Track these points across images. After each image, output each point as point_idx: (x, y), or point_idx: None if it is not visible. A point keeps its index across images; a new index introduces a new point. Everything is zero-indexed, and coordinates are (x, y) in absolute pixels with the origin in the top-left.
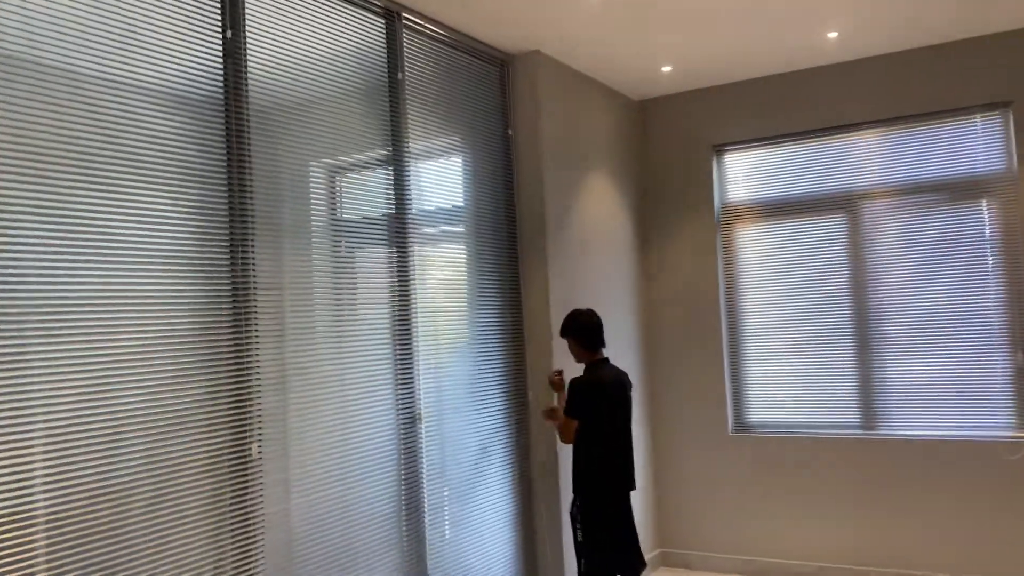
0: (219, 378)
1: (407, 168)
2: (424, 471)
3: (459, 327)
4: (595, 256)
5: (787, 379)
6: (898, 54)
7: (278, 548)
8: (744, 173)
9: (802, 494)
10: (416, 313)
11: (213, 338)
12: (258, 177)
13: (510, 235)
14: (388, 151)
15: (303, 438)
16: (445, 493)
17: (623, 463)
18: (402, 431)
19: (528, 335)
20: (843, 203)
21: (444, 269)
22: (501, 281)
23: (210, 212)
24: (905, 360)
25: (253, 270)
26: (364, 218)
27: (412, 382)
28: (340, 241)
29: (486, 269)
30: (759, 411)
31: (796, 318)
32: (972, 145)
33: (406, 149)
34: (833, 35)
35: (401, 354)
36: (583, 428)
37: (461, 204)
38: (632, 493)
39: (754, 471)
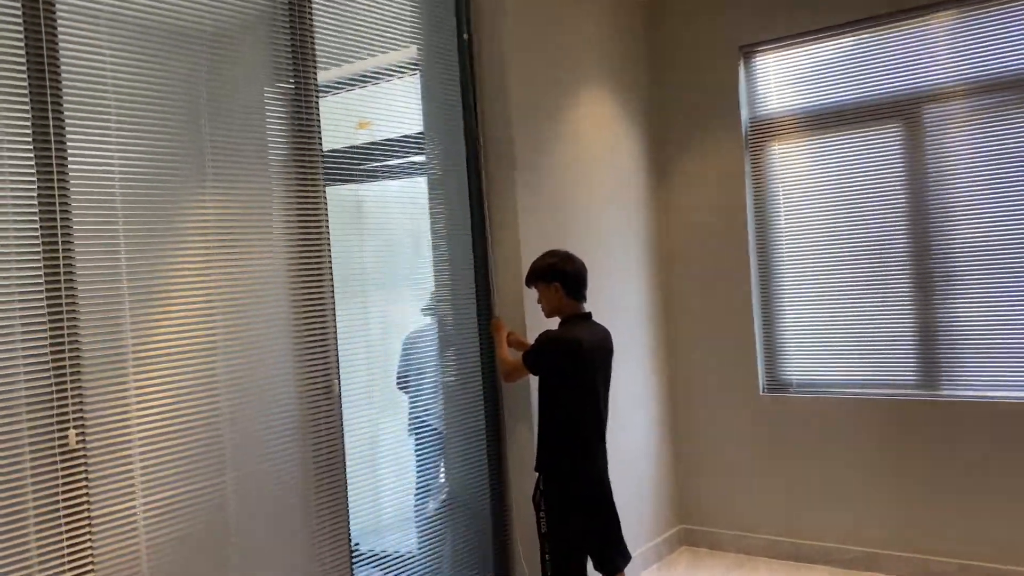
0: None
1: (310, 92)
2: (346, 458)
3: (399, 280)
4: (593, 189)
5: (830, 328)
6: None
7: (121, 560)
8: (778, 79)
9: (847, 466)
10: (330, 262)
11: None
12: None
13: (473, 167)
14: (289, 71)
15: (148, 421)
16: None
17: (595, 438)
18: (311, 410)
19: (497, 288)
20: (901, 109)
21: (384, 209)
22: (460, 224)
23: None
24: (978, 305)
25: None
26: (235, 149)
27: (327, 349)
28: (204, 175)
29: (441, 210)
30: (796, 366)
31: (841, 255)
32: None
33: (311, 69)
34: None
35: (308, 315)
36: (549, 394)
37: (404, 132)
38: (643, 463)
39: (790, 437)
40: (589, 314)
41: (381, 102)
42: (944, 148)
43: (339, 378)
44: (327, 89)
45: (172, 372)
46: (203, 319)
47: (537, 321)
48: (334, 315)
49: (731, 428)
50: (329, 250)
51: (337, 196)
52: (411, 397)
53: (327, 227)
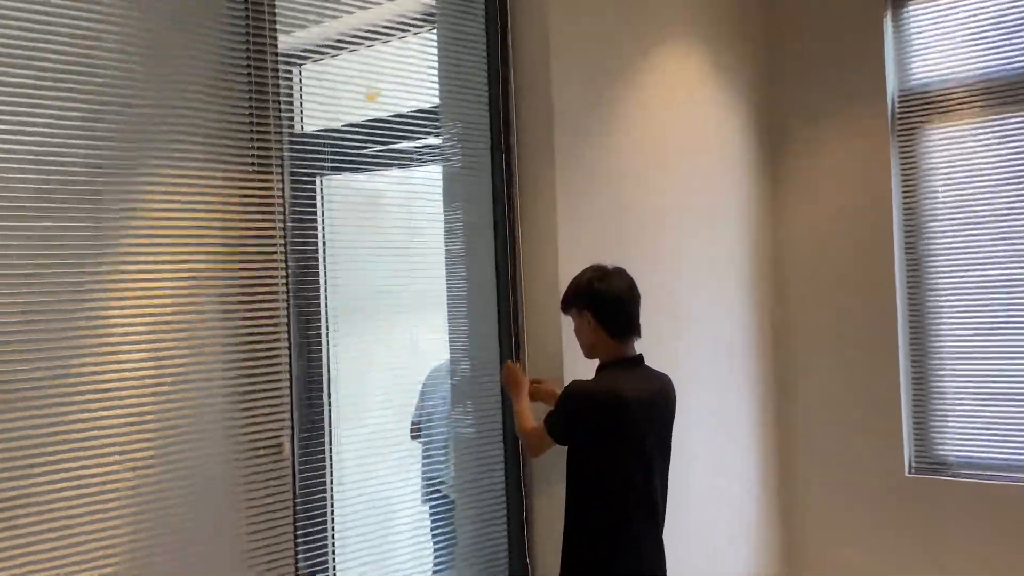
0: None
1: (264, 54)
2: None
3: (405, 303)
4: (669, 190)
5: (1008, 389)
6: None
7: None
8: (939, 38)
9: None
10: (286, 285)
11: None
12: None
13: (500, 159)
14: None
15: None
16: None
17: (649, 531)
18: (249, 475)
19: (525, 320)
20: None
21: (389, 208)
22: (481, 233)
23: None
24: None
25: None
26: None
27: (279, 396)
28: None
29: (458, 213)
30: (957, 439)
31: None
32: None
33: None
34: None
35: (252, 350)
36: (578, 468)
37: (413, 107)
38: (738, 566)
39: (946, 534)
40: (639, 357)
41: (388, 66)
42: None
43: (293, 433)
44: (316, 51)
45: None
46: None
47: (581, 365)
48: (289, 351)
49: (865, 520)
50: (285, 269)
51: (327, 190)
52: (424, 452)
53: (282, 236)
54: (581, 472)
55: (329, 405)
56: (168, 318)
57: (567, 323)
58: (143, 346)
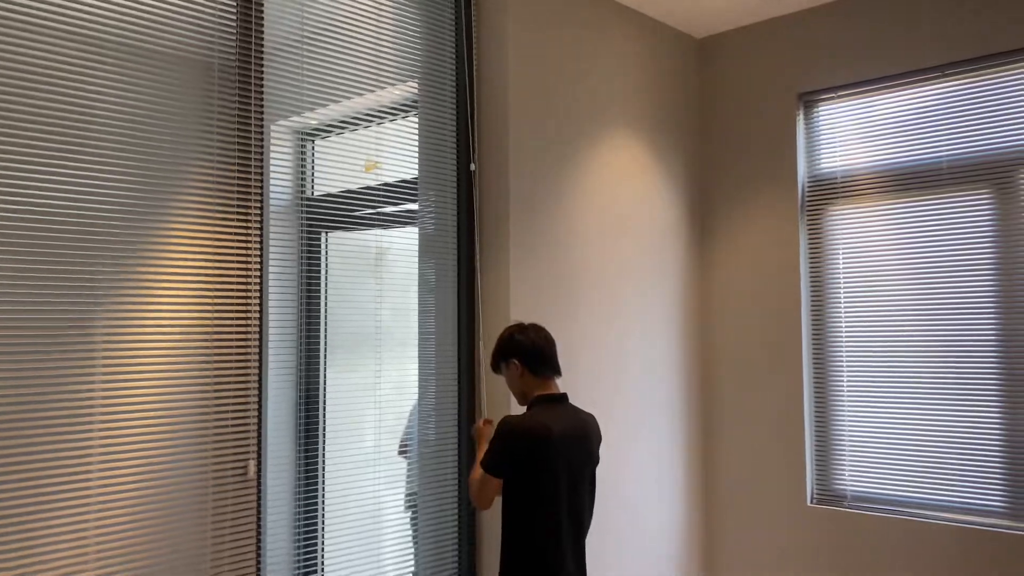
0: None
1: (257, 150)
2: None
3: (382, 342)
4: (612, 256)
5: (898, 433)
6: None
7: None
8: (843, 132)
9: None
10: (258, 318)
11: None
12: None
13: (465, 226)
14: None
15: None
16: None
17: (574, 556)
18: (218, 495)
19: (482, 350)
20: (991, 172)
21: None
22: (447, 290)
23: None
24: None
25: None
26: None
27: (246, 421)
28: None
29: (430, 271)
30: (854, 476)
31: (914, 345)
32: None
33: (252, 113)
34: None
35: (224, 378)
36: (514, 496)
37: (397, 178)
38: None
39: (841, 560)
40: (563, 396)
41: (380, 144)
42: None
43: (259, 457)
44: (328, 130)
45: (33, 449)
46: (84, 372)
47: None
48: (259, 383)
49: (771, 543)
50: (258, 311)
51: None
52: (409, 467)
53: (258, 286)
54: (513, 497)
55: (324, 429)
56: (151, 351)
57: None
58: (129, 376)
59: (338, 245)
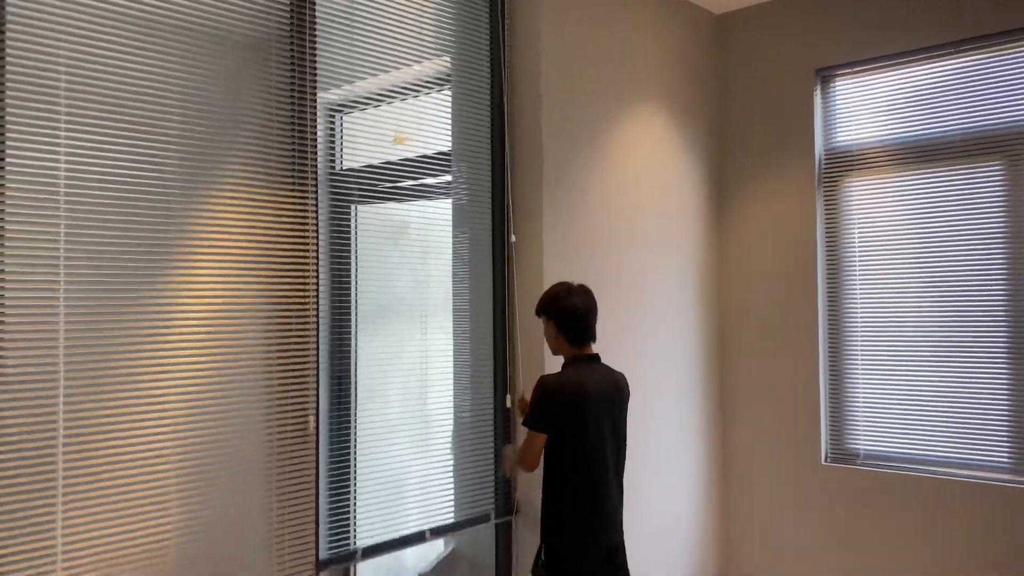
0: None
1: (304, 106)
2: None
3: (417, 309)
4: (637, 225)
5: (908, 394)
6: None
7: None
8: (858, 107)
9: (919, 554)
10: (316, 288)
11: None
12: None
13: (499, 194)
14: (287, 84)
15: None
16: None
17: (608, 504)
18: (280, 447)
19: (519, 326)
20: (1003, 144)
21: (408, 232)
22: (482, 256)
23: None
24: None
25: None
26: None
27: (307, 383)
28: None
29: (463, 238)
30: (866, 436)
31: (926, 311)
32: None
33: (308, 84)
34: None
35: (286, 344)
36: (551, 450)
37: (432, 150)
38: (680, 533)
39: (854, 515)
40: (595, 356)
41: (411, 117)
42: None
43: (317, 415)
44: (356, 103)
45: (116, 399)
46: (159, 343)
47: (557, 358)
48: (316, 345)
49: (787, 500)
50: (315, 275)
51: (362, 216)
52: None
53: (315, 251)
54: (549, 456)
55: (355, 390)
56: (219, 313)
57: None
58: (199, 335)
59: (369, 217)
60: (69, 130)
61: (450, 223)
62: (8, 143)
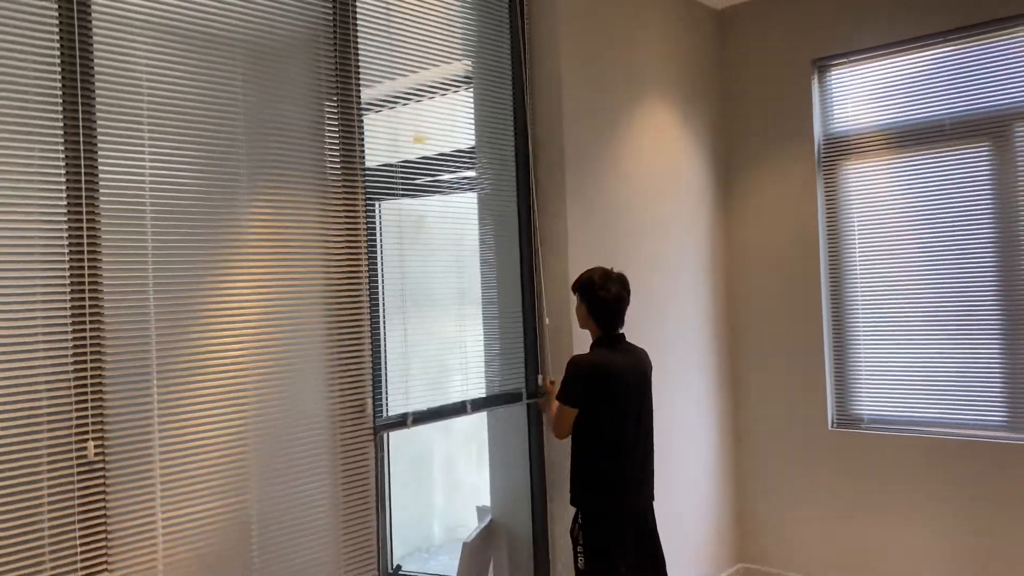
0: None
1: (351, 107)
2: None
3: (448, 298)
4: (651, 209)
5: (908, 361)
6: None
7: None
8: (854, 94)
9: (922, 511)
10: (368, 278)
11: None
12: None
13: (523, 184)
14: (332, 86)
15: (171, 436)
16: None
17: (636, 471)
18: (342, 428)
19: (546, 310)
20: (991, 127)
21: (438, 225)
22: (508, 244)
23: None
24: None
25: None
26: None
27: (362, 368)
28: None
29: (489, 227)
30: (869, 401)
31: (922, 282)
32: None
33: (352, 85)
34: None
35: (343, 331)
36: (582, 423)
37: (455, 147)
38: (696, 499)
39: (860, 477)
40: (622, 336)
41: (434, 116)
42: None
43: (372, 398)
44: (379, 104)
45: (197, 388)
46: (231, 334)
47: (584, 342)
48: (370, 332)
49: (796, 464)
50: (367, 266)
51: (390, 211)
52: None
53: (364, 244)
54: (580, 429)
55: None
56: (278, 302)
57: (573, 312)
58: (262, 320)
59: (393, 212)
60: (152, 144)
61: (476, 216)
62: (100, 158)
